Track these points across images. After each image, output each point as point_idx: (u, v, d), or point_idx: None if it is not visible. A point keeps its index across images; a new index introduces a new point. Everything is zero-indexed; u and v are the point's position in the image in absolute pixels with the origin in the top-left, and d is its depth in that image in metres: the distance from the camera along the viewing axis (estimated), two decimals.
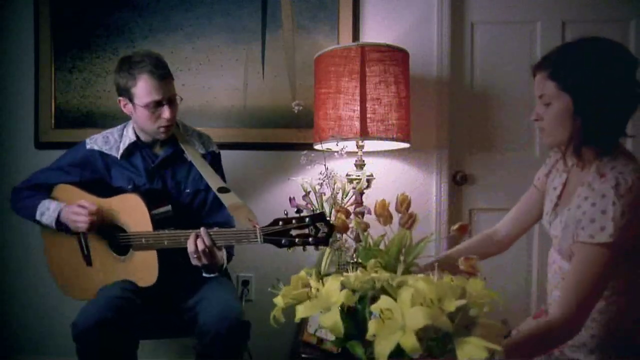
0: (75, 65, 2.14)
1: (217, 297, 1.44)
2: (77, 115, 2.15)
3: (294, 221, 1.21)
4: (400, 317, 0.58)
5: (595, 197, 0.98)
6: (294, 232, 1.22)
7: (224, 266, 1.49)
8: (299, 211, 1.24)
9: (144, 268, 1.46)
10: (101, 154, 1.59)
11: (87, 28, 2.13)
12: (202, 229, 1.35)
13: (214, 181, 1.53)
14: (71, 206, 1.47)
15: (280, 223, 1.23)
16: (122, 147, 1.59)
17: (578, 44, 1.06)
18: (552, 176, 1.23)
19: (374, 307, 0.62)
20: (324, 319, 0.66)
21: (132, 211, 1.47)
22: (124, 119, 2.09)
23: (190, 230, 1.36)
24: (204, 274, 1.47)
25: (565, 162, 1.15)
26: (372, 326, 0.60)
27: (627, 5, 2.06)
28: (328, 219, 1.21)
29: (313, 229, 1.20)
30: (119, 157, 1.58)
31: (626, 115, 1.04)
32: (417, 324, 0.56)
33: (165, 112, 1.48)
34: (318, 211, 1.23)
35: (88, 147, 1.61)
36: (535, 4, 2.08)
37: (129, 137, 1.60)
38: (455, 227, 1.03)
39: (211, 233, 1.35)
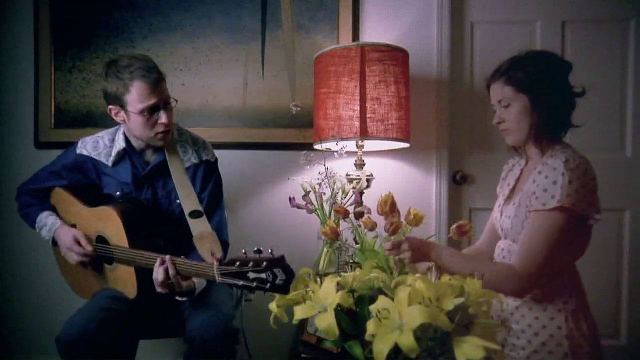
0: (75, 65, 2.14)
1: (207, 302, 1.40)
2: (77, 115, 2.14)
3: (250, 264, 1.09)
4: (398, 317, 0.58)
5: (548, 170, 1.15)
6: (252, 275, 1.09)
7: (198, 291, 1.39)
8: (259, 252, 1.16)
9: (126, 281, 1.43)
10: (91, 160, 1.54)
11: (87, 28, 2.13)
12: (168, 258, 1.27)
13: (188, 203, 1.44)
14: (67, 233, 1.46)
15: (237, 264, 1.11)
16: (113, 153, 1.52)
17: (527, 55, 1.27)
18: (508, 179, 1.41)
19: (372, 308, 0.61)
20: (319, 320, 0.66)
21: (110, 224, 1.43)
22: None
23: (159, 255, 1.29)
24: (177, 298, 1.36)
25: (526, 155, 1.33)
26: (370, 326, 0.60)
27: (627, 5, 2.06)
28: (287, 264, 1.07)
29: (271, 274, 1.09)
30: (109, 164, 1.52)
31: (570, 110, 1.24)
32: (415, 323, 0.56)
33: (163, 118, 1.41)
34: (278, 256, 1.12)
35: (78, 152, 1.57)
36: (535, 4, 2.08)
37: (119, 143, 1.52)
38: (454, 227, 1.05)
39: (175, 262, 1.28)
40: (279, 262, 1.09)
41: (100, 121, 2.13)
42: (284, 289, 1.09)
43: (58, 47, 2.14)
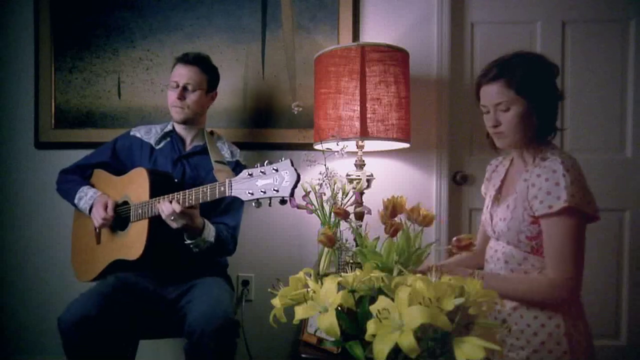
0: (75, 65, 2.14)
1: (206, 296, 1.46)
2: (77, 115, 2.15)
3: (257, 166, 1.20)
4: (398, 317, 0.58)
5: (547, 172, 1.16)
6: (260, 183, 1.20)
7: (205, 237, 1.50)
8: (269, 163, 1.22)
9: (136, 240, 1.51)
10: (141, 141, 1.75)
11: (87, 28, 2.13)
12: (176, 196, 1.42)
13: (216, 156, 1.64)
14: (101, 199, 1.62)
15: (248, 174, 1.23)
16: (160, 135, 1.75)
17: (520, 57, 1.25)
18: (493, 180, 1.42)
19: (372, 308, 0.61)
20: (320, 320, 0.66)
21: (137, 184, 1.56)
22: (124, 119, 2.11)
23: (171, 194, 1.44)
24: (186, 240, 1.48)
25: (514, 156, 1.35)
26: (370, 326, 0.60)
27: (627, 5, 2.06)
28: (294, 167, 1.17)
29: (278, 178, 1.17)
30: (154, 144, 1.73)
31: (557, 113, 1.26)
32: (415, 323, 0.56)
33: (173, 94, 1.65)
34: (284, 160, 1.21)
35: (131, 134, 1.78)
36: (535, 4, 2.08)
37: (168, 127, 1.78)
38: (454, 240, 1.03)
39: (186, 192, 1.41)
40: (285, 165, 1.17)
41: (100, 121, 2.13)
42: (290, 191, 1.16)
43: (58, 47, 2.14)
